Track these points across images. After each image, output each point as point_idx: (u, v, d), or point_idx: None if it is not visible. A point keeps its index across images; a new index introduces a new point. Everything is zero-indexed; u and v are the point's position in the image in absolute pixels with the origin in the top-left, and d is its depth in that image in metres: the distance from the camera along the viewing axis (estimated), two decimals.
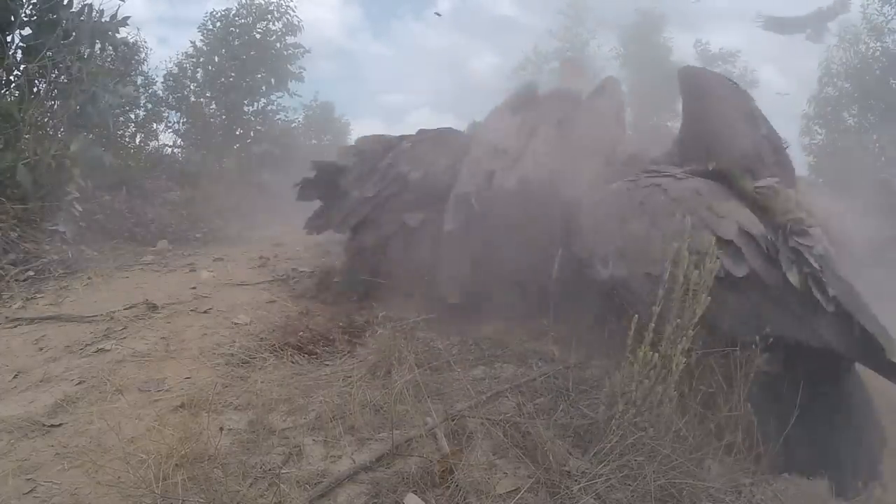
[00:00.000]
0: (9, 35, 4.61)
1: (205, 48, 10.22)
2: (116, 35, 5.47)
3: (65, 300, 3.25)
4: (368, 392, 2.10)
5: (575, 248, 2.60)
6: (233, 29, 10.30)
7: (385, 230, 3.37)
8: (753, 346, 1.80)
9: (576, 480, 1.60)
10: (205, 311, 3.09)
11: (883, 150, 9.89)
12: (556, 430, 1.87)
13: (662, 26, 14.41)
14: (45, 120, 4.98)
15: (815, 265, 1.85)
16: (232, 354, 2.50)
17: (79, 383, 2.16)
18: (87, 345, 2.54)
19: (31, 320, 2.85)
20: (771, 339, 1.80)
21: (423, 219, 3.31)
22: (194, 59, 10.24)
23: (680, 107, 3.47)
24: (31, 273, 3.68)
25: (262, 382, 2.22)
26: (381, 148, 3.63)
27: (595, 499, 1.55)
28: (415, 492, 1.57)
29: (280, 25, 10.73)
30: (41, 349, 2.51)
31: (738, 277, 1.89)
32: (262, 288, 3.72)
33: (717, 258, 1.81)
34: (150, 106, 9.44)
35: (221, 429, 1.87)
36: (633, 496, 1.55)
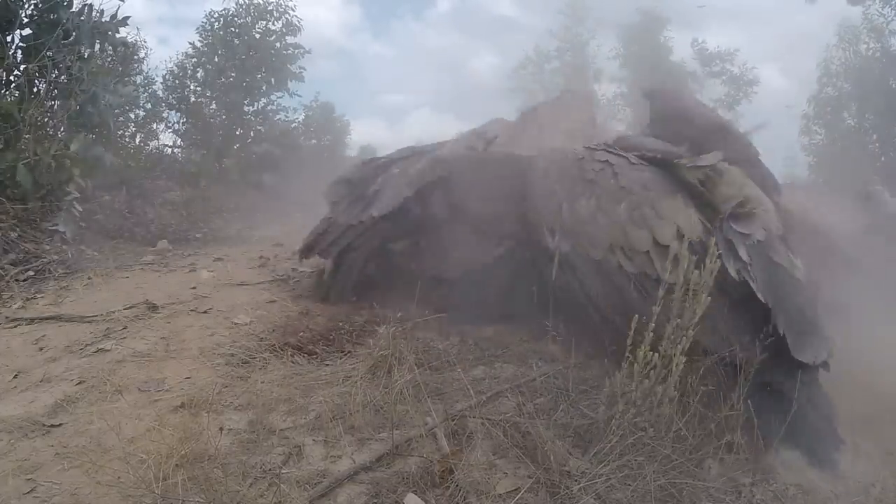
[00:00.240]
0: (9, 35, 4.62)
1: (204, 49, 10.22)
2: (116, 35, 5.47)
3: (65, 300, 3.25)
4: (368, 392, 2.10)
5: (528, 211, 2.67)
6: (232, 29, 10.30)
7: (367, 255, 3.44)
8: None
9: (576, 480, 1.60)
10: (205, 311, 3.09)
11: (883, 151, 9.90)
12: (556, 430, 1.87)
13: (663, 26, 14.44)
14: (45, 120, 4.98)
15: (746, 258, 1.91)
16: (232, 354, 2.50)
17: (79, 383, 2.16)
18: (87, 345, 2.54)
19: (31, 320, 2.85)
20: None
21: (407, 243, 3.42)
22: (195, 59, 10.25)
23: None
24: (31, 273, 3.68)
25: (262, 382, 2.22)
26: (371, 174, 3.67)
27: (595, 499, 1.55)
28: (415, 492, 1.57)
29: (280, 25, 10.75)
30: (41, 349, 2.51)
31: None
32: (262, 288, 3.72)
33: (718, 258, 1.83)
34: (149, 106, 9.45)
35: (221, 429, 1.87)
36: (633, 496, 1.55)
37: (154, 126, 9.51)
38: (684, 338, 1.73)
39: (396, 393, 2.03)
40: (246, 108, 10.69)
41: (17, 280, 3.54)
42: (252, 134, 10.79)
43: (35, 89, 4.73)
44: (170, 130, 10.00)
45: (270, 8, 10.58)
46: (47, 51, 4.61)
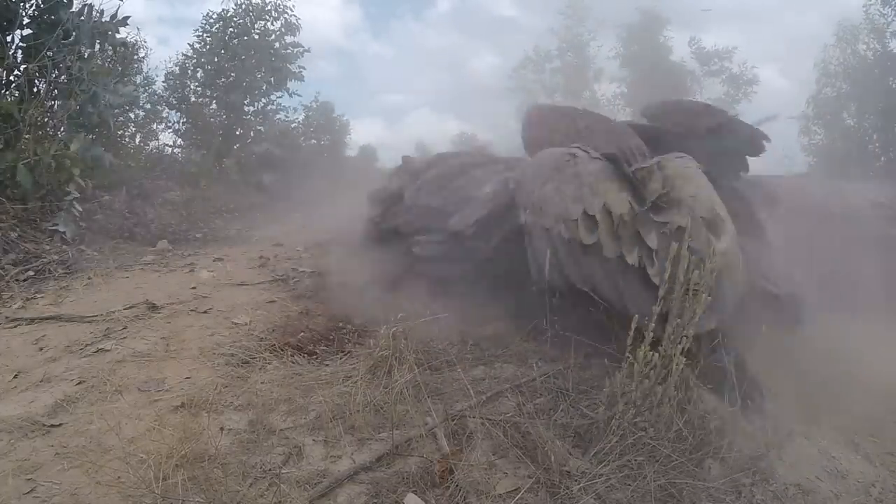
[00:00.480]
0: (9, 35, 4.62)
1: (204, 49, 10.22)
2: (116, 35, 5.47)
3: (65, 300, 3.25)
4: (368, 392, 2.10)
5: (517, 196, 3.09)
6: (231, 29, 10.30)
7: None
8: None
9: (576, 480, 1.60)
10: (205, 311, 3.09)
11: (883, 151, 9.89)
12: (556, 430, 1.87)
13: (662, 26, 14.44)
14: (45, 120, 4.98)
15: (653, 245, 2.18)
16: (232, 354, 2.50)
17: (79, 383, 2.16)
18: (87, 345, 2.54)
19: (31, 320, 2.85)
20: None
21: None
22: (195, 60, 10.25)
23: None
24: (31, 273, 3.68)
25: (262, 382, 2.22)
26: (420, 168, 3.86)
27: (595, 499, 1.55)
28: (415, 492, 1.57)
29: (279, 25, 10.75)
30: (41, 349, 2.51)
31: (587, 245, 2.33)
32: (262, 288, 3.72)
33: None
34: (149, 106, 9.45)
35: (221, 429, 1.87)
36: (633, 496, 1.55)
37: (154, 126, 9.53)
38: (684, 338, 1.74)
39: (396, 393, 2.03)
40: (246, 108, 10.72)
41: (17, 280, 3.54)
42: (252, 134, 10.81)
43: (35, 89, 4.73)
44: (170, 130, 10.03)
45: (268, 8, 10.59)
46: (47, 51, 4.61)
